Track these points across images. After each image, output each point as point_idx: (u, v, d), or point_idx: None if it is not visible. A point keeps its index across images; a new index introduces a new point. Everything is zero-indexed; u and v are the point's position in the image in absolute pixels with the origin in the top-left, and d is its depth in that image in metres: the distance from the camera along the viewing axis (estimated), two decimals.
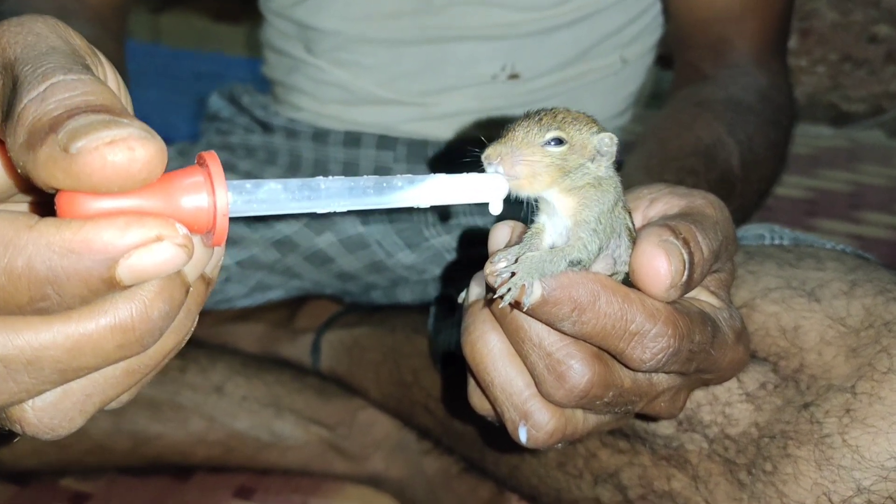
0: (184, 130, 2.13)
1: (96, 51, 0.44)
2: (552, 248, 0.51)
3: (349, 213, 1.10)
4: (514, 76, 1.13)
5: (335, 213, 1.10)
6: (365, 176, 0.45)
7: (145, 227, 0.37)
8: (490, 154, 0.50)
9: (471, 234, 1.05)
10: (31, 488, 1.07)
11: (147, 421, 1.04)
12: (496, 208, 0.50)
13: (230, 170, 1.17)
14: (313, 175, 1.17)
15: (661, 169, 0.85)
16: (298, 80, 1.19)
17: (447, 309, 0.97)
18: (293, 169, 1.18)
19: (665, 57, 1.24)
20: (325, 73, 1.16)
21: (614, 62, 1.17)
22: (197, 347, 1.09)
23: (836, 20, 2.64)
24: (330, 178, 0.44)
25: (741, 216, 0.92)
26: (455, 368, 0.83)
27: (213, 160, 0.40)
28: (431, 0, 1.08)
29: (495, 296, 0.49)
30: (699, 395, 0.69)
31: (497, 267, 0.50)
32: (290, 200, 0.42)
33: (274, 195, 0.42)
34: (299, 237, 1.10)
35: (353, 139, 1.16)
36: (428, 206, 0.47)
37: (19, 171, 0.38)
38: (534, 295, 0.49)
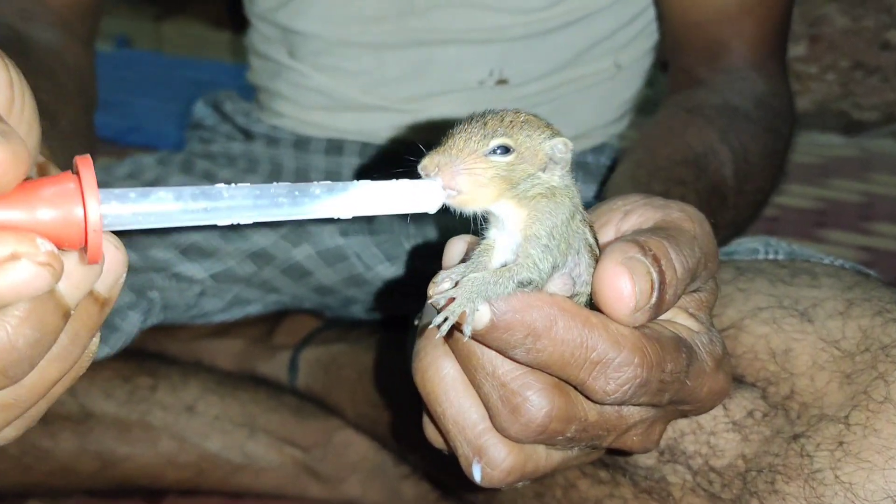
0: (179, 139, 2.10)
1: None
2: (502, 266, 0.46)
3: (328, 223, 1.07)
4: (502, 82, 1.09)
5: (311, 224, 1.06)
6: (276, 183, 0.40)
7: None
8: (427, 165, 0.45)
9: (427, 247, 1.01)
10: None
11: (114, 441, 1.00)
12: (432, 210, 0.45)
13: (209, 178, 1.13)
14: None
15: (649, 179, 0.80)
16: (281, 86, 1.15)
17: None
18: (274, 178, 1.14)
19: (665, 63, 1.20)
20: (307, 79, 1.12)
21: (608, 67, 1.13)
22: (169, 365, 1.05)
23: (847, 26, 2.58)
24: (234, 185, 0.39)
25: (734, 229, 0.87)
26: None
27: (85, 166, 0.35)
28: (415, 2, 1.04)
29: (431, 325, 0.44)
30: (682, 422, 0.64)
31: (438, 289, 0.45)
32: (184, 212, 0.38)
33: (164, 205, 0.37)
34: (276, 249, 1.06)
35: (335, 147, 1.12)
36: (351, 217, 0.42)
37: None
38: (481, 319, 0.44)
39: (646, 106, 1.26)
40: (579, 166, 1.14)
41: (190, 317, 1.09)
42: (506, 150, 0.46)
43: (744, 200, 0.87)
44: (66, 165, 0.38)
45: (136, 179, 1.15)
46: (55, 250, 0.34)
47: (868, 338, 0.60)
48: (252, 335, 1.14)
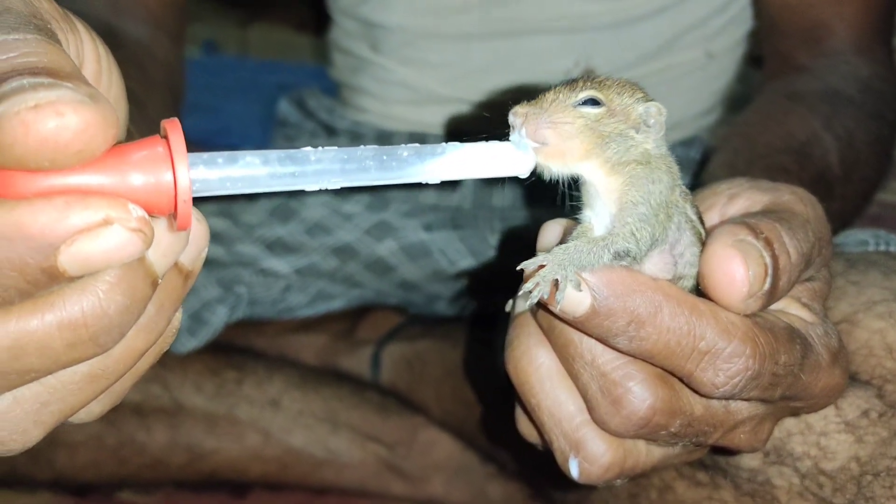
0: (265, 140, 2.13)
1: (71, 16, 0.39)
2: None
3: (412, 219, 1.06)
4: (588, 72, 1.06)
5: (394, 219, 1.05)
6: (363, 146, 0.39)
7: (90, 208, 0.32)
8: (516, 112, 0.44)
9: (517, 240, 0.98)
10: (89, 500, 1.05)
11: (203, 434, 1.01)
12: (523, 174, 0.43)
13: None
14: None
15: (748, 167, 0.77)
16: (363, 81, 1.15)
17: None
18: None
19: (756, 57, 1.15)
20: (390, 73, 1.11)
21: (699, 56, 1.09)
22: (255, 359, 1.06)
23: None
24: (321, 148, 0.38)
25: (841, 220, 0.82)
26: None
27: (173, 129, 0.34)
28: None
29: (519, 293, 0.42)
30: (790, 421, 0.60)
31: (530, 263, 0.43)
32: (271, 177, 0.37)
33: (252, 170, 0.36)
34: (359, 244, 1.05)
35: (417, 140, 1.10)
36: (439, 181, 0.40)
37: None
38: (581, 304, 0.41)
39: (737, 103, 1.21)
40: None
41: (276, 311, 1.10)
42: (595, 102, 0.44)
43: (851, 190, 0.83)
44: None
45: None
46: (146, 216, 0.33)
47: None
48: (335, 330, 1.14)
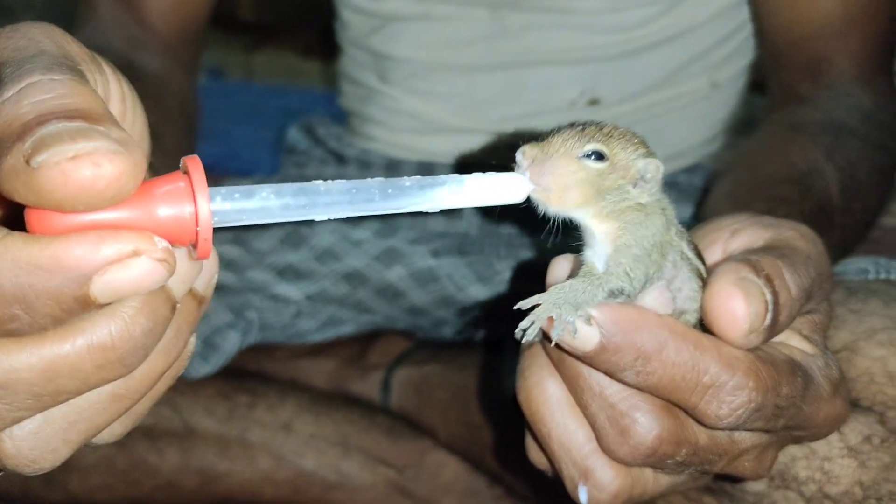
0: (270, 165, 2.16)
1: (99, 58, 0.42)
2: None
3: (420, 245, 1.08)
4: (594, 102, 1.08)
5: (403, 245, 1.07)
6: (369, 178, 0.42)
7: (120, 241, 0.35)
8: (525, 152, 0.46)
9: (530, 266, 1.00)
10: None
11: (215, 457, 1.02)
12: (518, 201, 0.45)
13: None
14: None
15: (750, 198, 0.79)
16: (372, 111, 1.17)
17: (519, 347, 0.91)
18: None
19: (758, 83, 1.17)
20: (399, 102, 1.13)
21: (703, 86, 1.11)
22: (266, 383, 1.07)
23: None
24: (330, 181, 0.41)
25: (841, 250, 0.84)
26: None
27: (195, 166, 0.37)
28: (507, 25, 1.05)
29: (517, 329, 0.45)
30: (794, 447, 0.62)
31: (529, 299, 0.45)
32: (284, 209, 0.39)
33: (266, 202, 0.39)
34: (369, 271, 1.07)
35: (426, 169, 1.13)
36: (439, 210, 0.43)
37: None
38: (590, 340, 0.43)
39: (736, 126, 1.23)
40: (671, 186, 1.11)
41: (286, 336, 1.12)
42: (599, 156, 0.46)
43: (851, 220, 0.84)
44: None
45: None
46: (170, 247, 0.36)
47: None
48: (345, 355, 1.15)
